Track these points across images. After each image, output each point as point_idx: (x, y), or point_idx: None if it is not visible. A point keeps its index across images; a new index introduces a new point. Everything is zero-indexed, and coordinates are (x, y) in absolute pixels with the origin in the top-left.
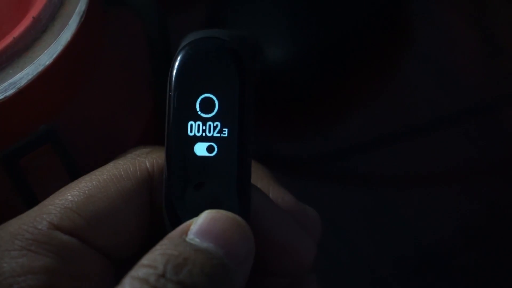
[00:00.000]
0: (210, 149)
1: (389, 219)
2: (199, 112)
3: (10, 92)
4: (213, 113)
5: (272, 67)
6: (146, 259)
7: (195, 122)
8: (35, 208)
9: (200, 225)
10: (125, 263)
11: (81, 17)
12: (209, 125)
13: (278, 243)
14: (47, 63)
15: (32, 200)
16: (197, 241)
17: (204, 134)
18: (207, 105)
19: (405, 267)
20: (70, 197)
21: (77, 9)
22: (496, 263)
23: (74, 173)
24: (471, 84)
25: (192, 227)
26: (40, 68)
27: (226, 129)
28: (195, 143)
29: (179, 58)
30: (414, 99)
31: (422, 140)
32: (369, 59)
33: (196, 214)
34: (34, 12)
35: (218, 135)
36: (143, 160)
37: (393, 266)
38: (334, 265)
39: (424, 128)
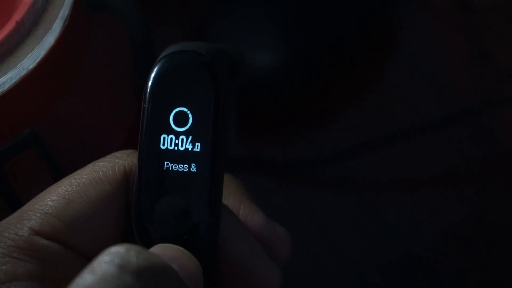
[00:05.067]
0: (181, 163)
1: (375, 224)
2: (172, 126)
3: None
4: (187, 127)
5: (258, 73)
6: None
7: (167, 135)
8: (15, 214)
9: (152, 250)
10: None
11: (65, 22)
12: (182, 139)
13: (242, 270)
14: (31, 67)
15: (16, 203)
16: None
17: (176, 148)
18: (180, 119)
19: (392, 272)
20: (50, 202)
21: (60, 14)
22: (483, 268)
23: (58, 177)
24: (458, 89)
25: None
26: (24, 72)
27: (199, 144)
28: (166, 156)
29: (154, 71)
30: (401, 104)
31: (409, 146)
32: (356, 65)
33: (164, 228)
34: (17, 16)
35: (191, 149)
36: (122, 163)
37: (380, 271)
38: (322, 270)
39: (411, 134)
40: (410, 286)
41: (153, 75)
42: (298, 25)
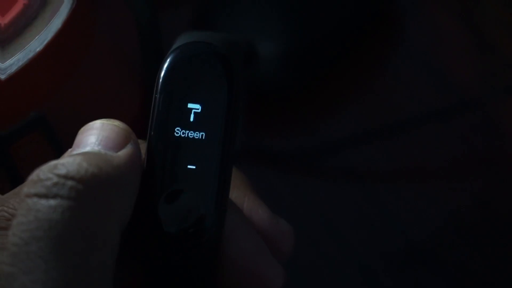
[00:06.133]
0: (191, 156)
1: (378, 213)
2: (183, 117)
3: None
4: (198, 119)
5: (261, 63)
6: None
7: (178, 127)
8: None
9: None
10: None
11: (72, 4)
12: (192, 131)
13: (245, 268)
14: (38, 49)
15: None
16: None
17: (186, 140)
18: (192, 111)
19: (394, 261)
20: None
21: None
22: (484, 258)
23: None
24: (461, 80)
25: None
26: (31, 55)
27: (209, 136)
28: (176, 148)
29: (167, 61)
30: (404, 94)
31: (412, 136)
32: (359, 55)
33: (171, 220)
34: None
35: (201, 142)
36: None
37: (382, 260)
38: (324, 259)
39: (414, 124)
40: (411, 274)
41: (165, 65)
42: (301, 14)
